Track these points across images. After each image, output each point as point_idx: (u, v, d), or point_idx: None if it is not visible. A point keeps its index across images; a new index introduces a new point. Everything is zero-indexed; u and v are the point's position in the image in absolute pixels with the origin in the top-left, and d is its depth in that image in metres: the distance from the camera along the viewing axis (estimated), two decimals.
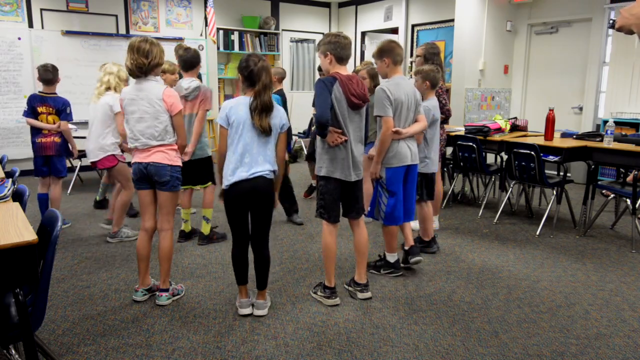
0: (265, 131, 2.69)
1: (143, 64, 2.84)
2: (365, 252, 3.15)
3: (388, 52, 3.20)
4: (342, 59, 2.92)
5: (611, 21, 1.60)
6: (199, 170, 4.06)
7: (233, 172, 2.71)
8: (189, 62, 3.91)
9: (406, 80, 3.33)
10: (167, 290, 3.07)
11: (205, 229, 4.17)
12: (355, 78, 2.93)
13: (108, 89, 4.17)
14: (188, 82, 3.87)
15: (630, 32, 1.44)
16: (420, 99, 3.38)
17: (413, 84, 3.46)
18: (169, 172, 2.93)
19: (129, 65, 2.86)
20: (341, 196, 3.05)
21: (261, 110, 2.66)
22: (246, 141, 2.69)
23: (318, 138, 2.99)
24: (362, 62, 6.58)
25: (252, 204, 2.78)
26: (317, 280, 3.34)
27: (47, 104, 4.37)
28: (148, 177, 2.94)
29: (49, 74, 4.36)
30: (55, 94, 4.45)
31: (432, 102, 3.79)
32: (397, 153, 3.23)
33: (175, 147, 3.00)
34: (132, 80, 3.00)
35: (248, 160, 2.69)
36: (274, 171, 2.79)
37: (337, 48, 2.88)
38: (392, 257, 3.48)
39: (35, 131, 4.41)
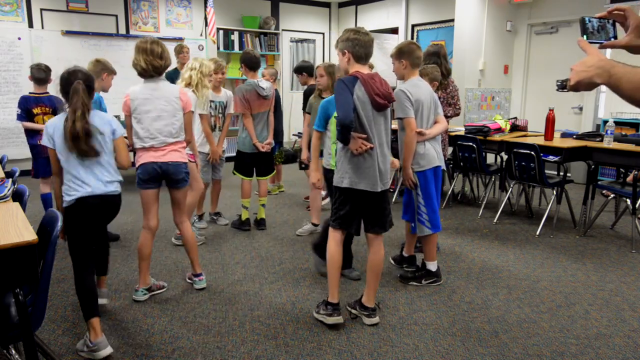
0: (89, 155, 2.47)
1: (160, 65, 2.93)
2: (380, 273, 2.83)
3: (407, 54, 3.13)
4: (360, 58, 2.65)
5: (559, 82, 1.34)
6: (269, 161, 4.56)
7: (75, 187, 2.48)
8: (257, 62, 4.34)
9: (423, 82, 3.28)
10: (200, 274, 3.29)
11: (262, 213, 4.64)
12: (377, 76, 2.67)
13: (188, 84, 3.77)
14: (265, 84, 4.30)
15: (590, 87, 1.20)
16: (438, 100, 3.33)
17: None
18: (184, 169, 3.07)
19: (143, 65, 2.89)
20: (364, 208, 2.76)
21: (74, 138, 2.40)
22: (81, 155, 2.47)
23: (339, 144, 2.71)
24: None
25: (101, 220, 2.66)
26: (316, 280, 3.34)
27: (43, 104, 4.33)
28: (161, 177, 3.01)
29: (42, 73, 4.31)
30: (47, 93, 4.39)
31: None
32: (426, 154, 3.20)
33: (184, 144, 3.11)
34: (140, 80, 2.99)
35: (89, 175, 2.50)
36: (120, 181, 2.62)
37: (355, 46, 2.62)
38: (433, 266, 3.36)
39: (33, 133, 4.35)
